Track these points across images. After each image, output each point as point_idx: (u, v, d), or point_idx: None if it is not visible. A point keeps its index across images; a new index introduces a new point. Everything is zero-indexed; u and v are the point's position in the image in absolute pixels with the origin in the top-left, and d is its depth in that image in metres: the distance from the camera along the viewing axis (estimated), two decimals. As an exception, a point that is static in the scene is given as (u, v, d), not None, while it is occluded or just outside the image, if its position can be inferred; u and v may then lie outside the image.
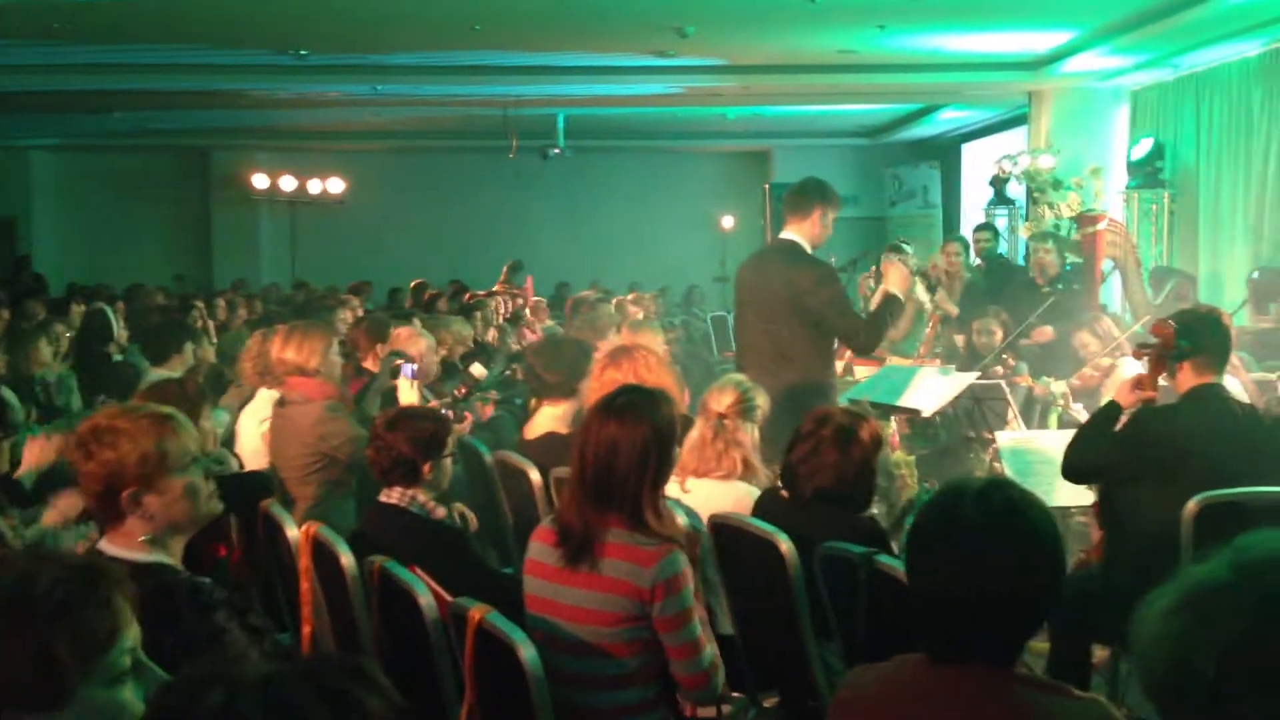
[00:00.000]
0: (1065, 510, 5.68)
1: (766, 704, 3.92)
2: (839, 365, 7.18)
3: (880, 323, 5.60)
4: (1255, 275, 9.28)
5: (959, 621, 1.94)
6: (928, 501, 2.09)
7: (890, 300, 5.60)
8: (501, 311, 10.94)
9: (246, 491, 4.28)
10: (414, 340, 6.10)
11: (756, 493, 4.06)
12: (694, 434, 4.18)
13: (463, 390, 5.95)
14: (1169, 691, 1.43)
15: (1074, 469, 4.29)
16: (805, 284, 5.42)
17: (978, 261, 10.73)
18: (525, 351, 7.27)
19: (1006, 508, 1.96)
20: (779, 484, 3.94)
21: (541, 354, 5.10)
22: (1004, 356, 7.37)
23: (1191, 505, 3.79)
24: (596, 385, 4.59)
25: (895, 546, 3.73)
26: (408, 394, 5.29)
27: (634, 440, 3.08)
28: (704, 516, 3.85)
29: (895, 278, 5.64)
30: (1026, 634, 1.99)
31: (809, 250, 5.57)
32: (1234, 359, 6.26)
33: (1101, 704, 1.93)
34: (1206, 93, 11.22)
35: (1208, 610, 1.42)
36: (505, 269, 14.22)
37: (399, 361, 5.52)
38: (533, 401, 5.44)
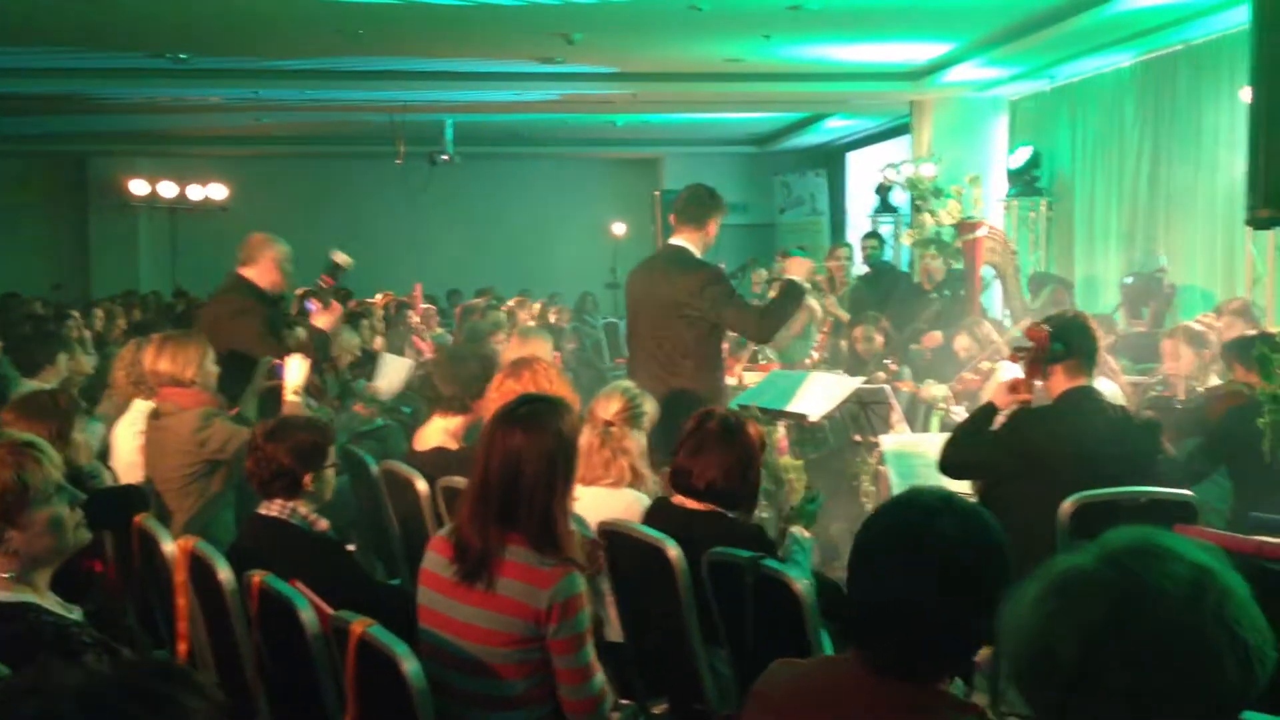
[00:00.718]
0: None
1: (655, 710, 3.92)
2: (751, 375, 7.25)
3: (781, 309, 5.62)
4: (1128, 280, 9.58)
5: (902, 636, 1.90)
6: (881, 512, 2.03)
7: (792, 286, 5.61)
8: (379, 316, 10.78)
9: (121, 506, 4.16)
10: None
11: (646, 500, 4.06)
12: (581, 441, 4.16)
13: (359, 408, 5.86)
14: (1033, 675, 1.45)
15: (951, 465, 4.41)
16: (694, 287, 5.45)
17: (865, 269, 10.92)
18: (426, 362, 7.20)
19: (980, 525, 1.94)
20: (669, 491, 3.94)
21: (441, 365, 5.06)
22: (886, 362, 7.49)
23: (1067, 505, 3.89)
24: (496, 396, 4.53)
25: (782, 552, 3.76)
26: (296, 375, 5.19)
27: (539, 450, 3.02)
28: (592, 524, 3.84)
29: (798, 269, 5.70)
30: (962, 655, 1.96)
31: (698, 255, 5.60)
32: (1112, 363, 6.45)
33: None
34: (1081, 103, 11.55)
35: (1071, 596, 1.45)
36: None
37: (275, 362, 5.44)
38: (425, 411, 5.39)
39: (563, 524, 3.05)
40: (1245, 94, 2.90)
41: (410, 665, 2.63)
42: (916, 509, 1.96)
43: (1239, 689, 1.41)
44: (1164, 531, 1.50)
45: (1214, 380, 5.92)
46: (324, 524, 3.77)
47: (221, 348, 5.36)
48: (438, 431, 4.89)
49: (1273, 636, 1.44)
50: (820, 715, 1.97)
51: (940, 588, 1.87)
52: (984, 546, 1.92)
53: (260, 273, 6.00)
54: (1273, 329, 7.34)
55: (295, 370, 5.20)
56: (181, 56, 11.26)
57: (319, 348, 5.95)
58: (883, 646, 1.93)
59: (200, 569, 3.51)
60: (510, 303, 12.30)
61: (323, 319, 6.06)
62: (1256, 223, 2.99)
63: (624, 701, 3.86)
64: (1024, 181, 11.74)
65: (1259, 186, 2.91)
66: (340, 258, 6.22)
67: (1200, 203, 9.60)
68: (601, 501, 4.02)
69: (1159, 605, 1.41)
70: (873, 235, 11.65)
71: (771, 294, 6.20)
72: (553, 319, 13.08)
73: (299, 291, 6.85)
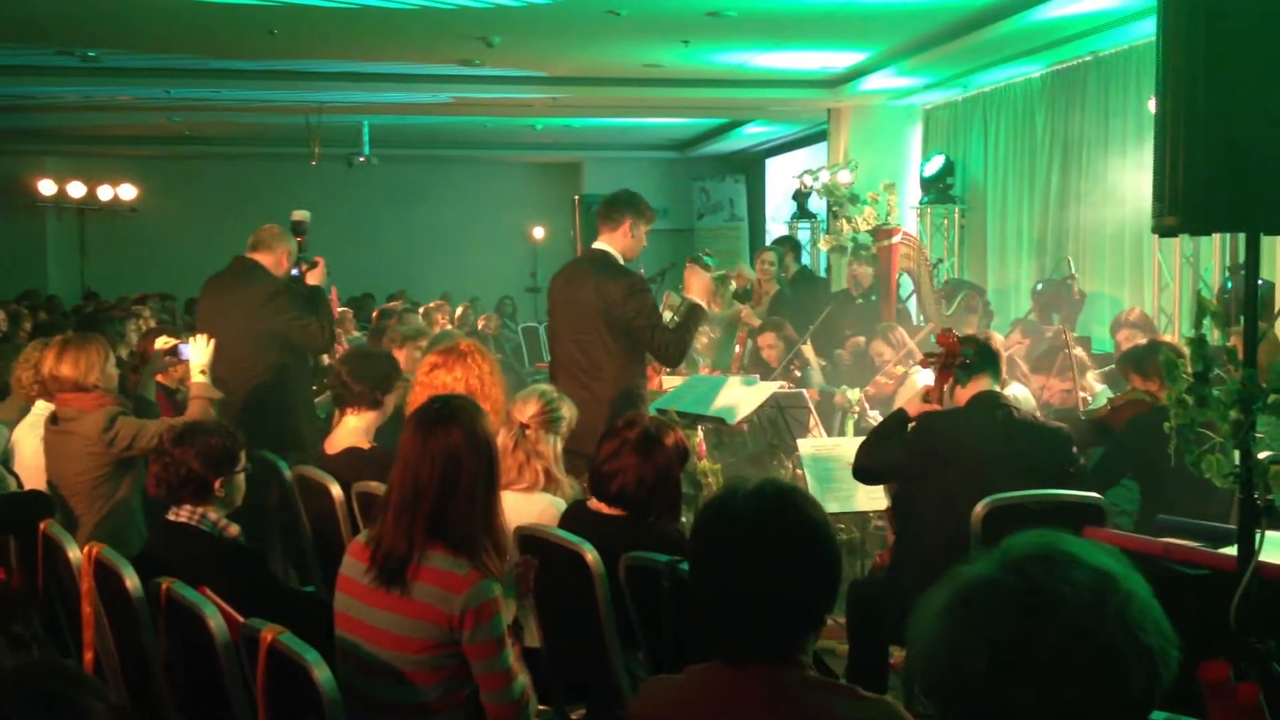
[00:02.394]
0: (864, 515, 5.86)
1: (574, 716, 3.91)
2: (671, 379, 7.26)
3: (685, 335, 5.65)
4: (1039, 287, 9.76)
5: (739, 619, 1.96)
6: (705, 503, 2.12)
7: (694, 309, 5.65)
8: None
9: (24, 512, 4.06)
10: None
11: (562, 504, 4.04)
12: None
13: None
14: (945, 688, 1.47)
15: (861, 470, 4.46)
16: (615, 295, 5.44)
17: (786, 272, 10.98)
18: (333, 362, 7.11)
19: (776, 504, 2.01)
20: (586, 495, 3.93)
21: (349, 362, 4.98)
22: (791, 367, 7.55)
23: (979, 508, 3.94)
24: (424, 382, 4.47)
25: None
26: (200, 355, 5.11)
27: (474, 450, 2.99)
28: (509, 529, 3.81)
29: (697, 287, 5.71)
30: (807, 630, 2.01)
31: (621, 261, 5.60)
32: (1024, 367, 6.56)
33: (888, 704, 1.96)
34: (993, 112, 11.74)
35: (977, 608, 1.46)
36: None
37: (175, 342, 5.39)
38: (336, 413, 5.30)
39: (498, 525, 3.02)
40: (1152, 104, 2.97)
41: (321, 673, 2.59)
42: (721, 496, 2.08)
43: (1146, 692, 1.43)
44: (1066, 536, 1.52)
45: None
46: (234, 529, 3.70)
47: (262, 331, 5.77)
48: (349, 432, 4.82)
49: (1176, 638, 1.46)
50: (688, 717, 2.01)
51: (742, 569, 1.96)
52: (779, 523, 1.99)
53: (275, 262, 6.07)
54: (1170, 337, 7.55)
55: (197, 350, 5.14)
56: (90, 54, 11.02)
57: (321, 304, 6.09)
58: (718, 636, 2.00)
59: (106, 576, 3.44)
60: (430, 306, 12.21)
61: (314, 276, 6.17)
62: (1163, 230, 3.05)
63: (542, 707, 3.84)
64: (937, 189, 11.92)
65: (1165, 195, 2.96)
66: (299, 214, 6.34)
67: (1108, 211, 9.80)
68: (517, 506, 3.98)
69: (1062, 613, 1.42)
70: (786, 240, 11.75)
71: (678, 313, 6.20)
72: (481, 325, 13.01)
73: None
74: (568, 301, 5.66)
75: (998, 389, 4.40)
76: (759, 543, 1.97)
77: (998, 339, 4.60)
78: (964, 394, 4.41)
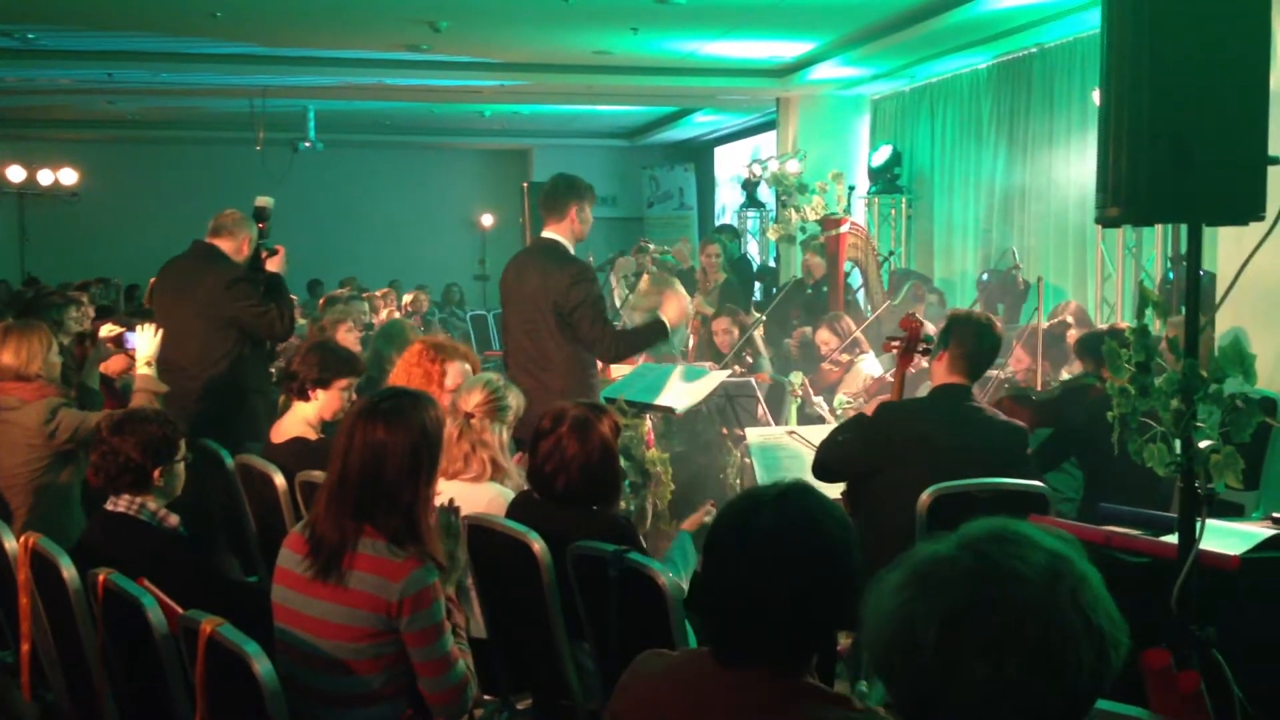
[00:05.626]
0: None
1: (520, 706, 3.89)
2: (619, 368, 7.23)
3: (637, 341, 5.66)
4: (984, 278, 9.83)
5: (747, 626, 1.92)
6: (726, 505, 2.07)
7: (658, 327, 5.60)
8: None
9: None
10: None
11: (509, 493, 4.02)
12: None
13: None
14: (893, 661, 1.47)
15: (819, 467, 4.40)
16: (561, 283, 5.42)
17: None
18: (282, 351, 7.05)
19: (802, 515, 1.96)
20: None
21: (302, 352, 4.94)
22: (744, 354, 7.56)
23: (925, 497, 3.95)
24: (412, 370, 4.50)
25: (665, 549, 3.76)
26: (146, 346, 5.04)
27: (405, 444, 2.97)
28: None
29: (673, 311, 5.62)
30: (815, 644, 1.97)
31: (570, 248, 5.58)
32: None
33: (879, 715, 1.95)
34: (940, 103, 11.81)
35: (930, 582, 1.46)
36: None
37: (120, 331, 5.31)
38: (282, 400, 5.26)
39: (424, 519, 3.00)
40: (1096, 96, 3.00)
41: (261, 665, 2.55)
42: (746, 501, 2.01)
43: (1095, 675, 1.44)
44: (1021, 521, 1.53)
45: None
46: (174, 519, 3.65)
47: (220, 317, 5.70)
48: (297, 421, 4.77)
49: (1125, 624, 1.47)
50: (680, 707, 1.98)
51: (758, 578, 1.91)
52: (802, 535, 1.94)
53: (235, 248, 6.00)
54: (1122, 324, 7.62)
55: (145, 341, 5.05)
56: (30, 36, 10.81)
57: (279, 291, 6.01)
58: (722, 639, 1.96)
59: (43, 567, 3.39)
60: (376, 295, 12.13)
61: (273, 264, 6.09)
62: (1106, 221, 3.07)
63: (487, 697, 3.82)
64: (885, 179, 11.98)
65: (1108, 186, 2.98)
66: (263, 200, 6.29)
67: (1053, 201, 9.90)
68: (464, 496, 3.95)
69: (1016, 590, 1.43)
70: (727, 229, 11.78)
71: (630, 312, 6.17)
72: (408, 301, 12.95)
73: None
74: (517, 292, 5.64)
75: (966, 382, 4.34)
76: (778, 560, 1.92)
77: (997, 326, 4.49)
78: (933, 380, 4.40)
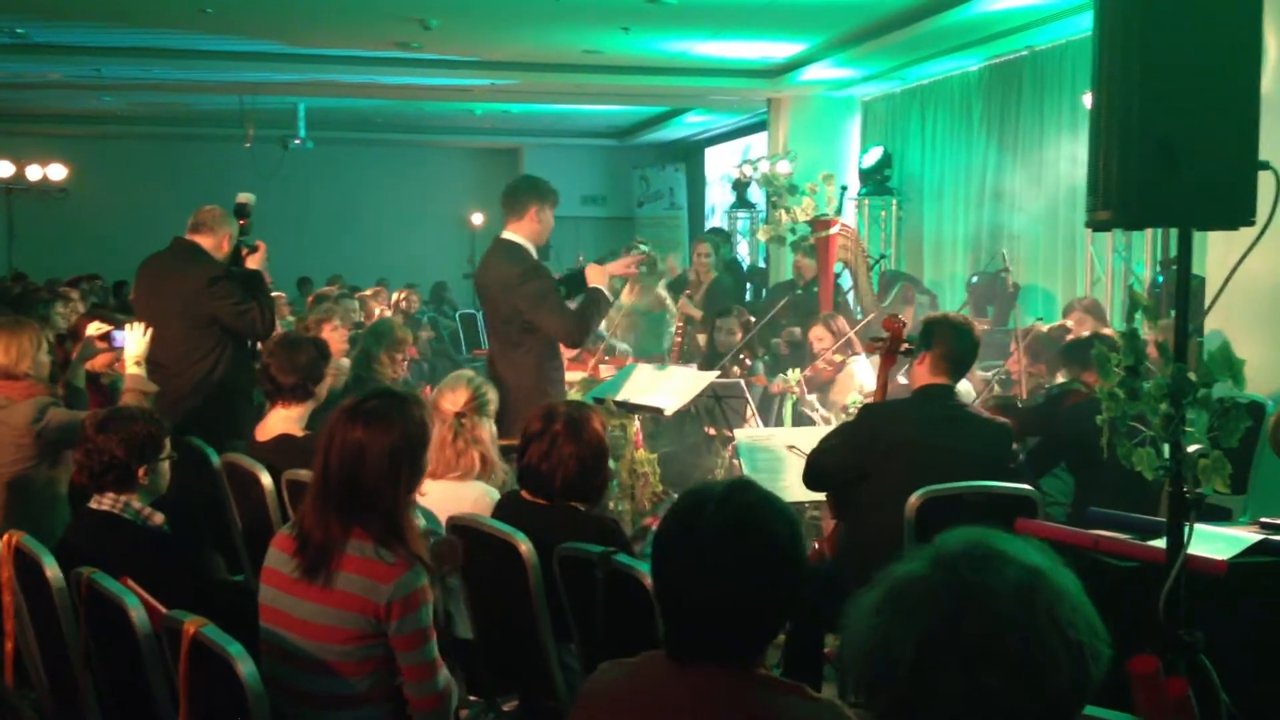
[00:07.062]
0: (799, 505, 5.86)
1: (506, 707, 3.88)
2: (607, 368, 7.24)
3: (588, 316, 5.69)
4: (974, 280, 9.84)
5: (698, 623, 1.95)
6: (673, 504, 2.09)
7: (595, 293, 5.68)
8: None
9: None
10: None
11: (495, 493, 4.01)
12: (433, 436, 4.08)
13: None
14: (871, 681, 1.47)
15: (807, 476, 4.39)
16: (512, 281, 5.53)
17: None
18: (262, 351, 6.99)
19: (746, 511, 1.98)
20: (517, 483, 3.89)
21: (276, 355, 4.84)
22: (741, 356, 7.55)
23: (913, 500, 3.94)
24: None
25: (639, 548, 3.75)
26: (135, 345, 5.01)
27: (384, 447, 2.94)
28: (442, 519, 3.77)
29: (594, 274, 5.77)
30: (766, 637, 2.00)
31: (531, 248, 5.66)
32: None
33: (836, 705, 1.95)
34: (931, 105, 11.82)
35: (905, 601, 1.46)
36: None
37: (107, 329, 5.33)
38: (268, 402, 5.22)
39: (407, 520, 2.98)
40: (1087, 99, 2.99)
41: (245, 666, 2.53)
42: (690, 499, 2.04)
43: (1075, 688, 1.44)
44: (997, 533, 1.53)
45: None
46: (158, 518, 3.63)
47: (201, 315, 5.70)
48: (280, 420, 4.74)
49: (1106, 633, 1.47)
50: (639, 710, 1.99)
51: (706, 575, 1.94)
52: (747, 531, 1.97)
53: (216, 245, 5.95)
54: (1110, 330, 7.63)
55: (134, 340, 5.02)
56: (19, 30, 10.76)
57: (259, 288, 5.97)
58: (673, 636, 1.99)
59: (27, 565, 3.36)
60: (366, 294, 12.07)
61: (254, 260, 6.06)
62: (1096, 225, 3.06)
63: (473, 698, 3.80)
64: (875, 181, 11.97)
65: (1098, 189, 2.98)
66: (244, 197, 6.27)
67: (1043, 204, 9.90)
68: (450, 495, 3.95)
69: (991, 605, 1.43)
70: (718, 231, 11.77)
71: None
72: (399, 299, 12.91)
73: None
74: (483, 291, 5.84)
75: (949, 382, 4.35)
76: (724, 557, 1.94)
77: (976, 328, 4.50)
78: (915, 382, 4.40)
